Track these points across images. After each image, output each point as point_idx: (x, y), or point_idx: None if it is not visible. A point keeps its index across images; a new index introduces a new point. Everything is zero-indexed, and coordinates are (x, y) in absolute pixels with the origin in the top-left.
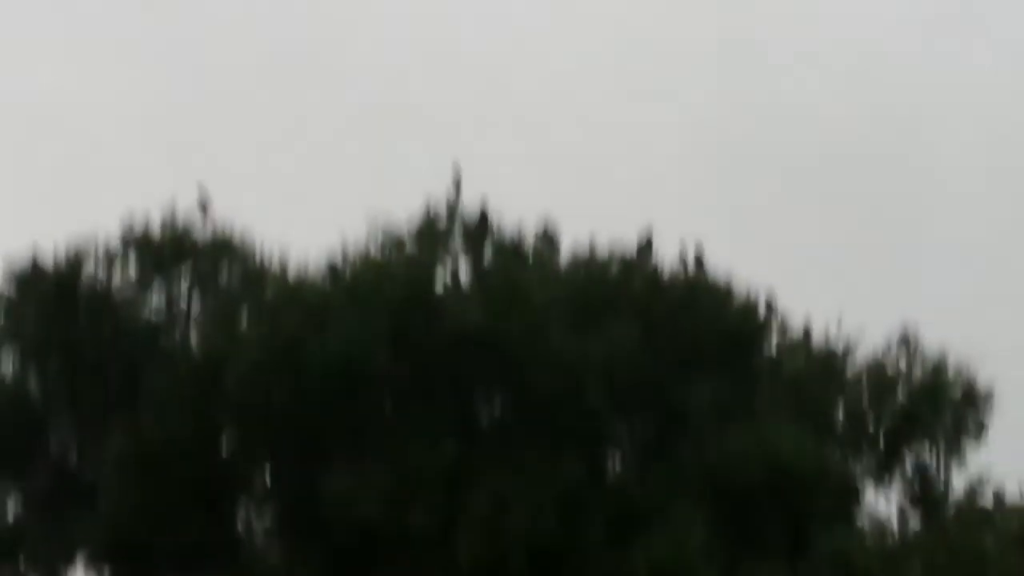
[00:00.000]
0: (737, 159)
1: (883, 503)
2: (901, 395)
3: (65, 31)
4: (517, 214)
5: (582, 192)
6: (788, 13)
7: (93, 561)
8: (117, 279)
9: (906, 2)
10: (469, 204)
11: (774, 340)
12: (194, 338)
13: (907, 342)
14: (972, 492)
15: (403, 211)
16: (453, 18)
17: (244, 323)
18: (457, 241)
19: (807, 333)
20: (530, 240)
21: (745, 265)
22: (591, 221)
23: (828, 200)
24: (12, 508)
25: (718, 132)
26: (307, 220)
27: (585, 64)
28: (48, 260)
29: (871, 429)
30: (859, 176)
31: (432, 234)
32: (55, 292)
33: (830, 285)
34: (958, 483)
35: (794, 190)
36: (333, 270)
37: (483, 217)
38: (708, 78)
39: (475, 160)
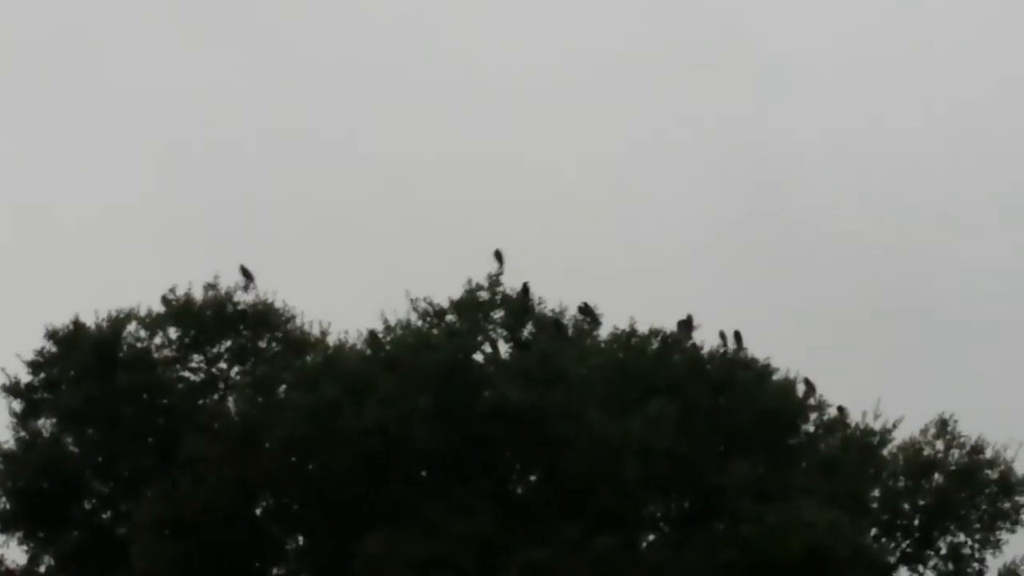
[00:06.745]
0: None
1: None
2: (937, 479)
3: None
4: (558, 294)
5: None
6: None
7: None
8: (158, 344)
9: None
10: (511, 280)
11: (811, 420)
12: (233, 404)
13: (944, 427)
14: None
15: (444, 287)
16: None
17: (283, 390)
18: (498, 315)
19: (843, 413)
20: (570, 316)
21: (782, 347)
22: (631, 305)
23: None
24: (46, 565)
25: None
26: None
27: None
28: (90, 324)
29: (906, 511)
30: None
31: (473, 307)
32: (95, 354)
33: (868, 369)
34: (992, 569)
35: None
36: (373, 338)
37: (524, 292)
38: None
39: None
